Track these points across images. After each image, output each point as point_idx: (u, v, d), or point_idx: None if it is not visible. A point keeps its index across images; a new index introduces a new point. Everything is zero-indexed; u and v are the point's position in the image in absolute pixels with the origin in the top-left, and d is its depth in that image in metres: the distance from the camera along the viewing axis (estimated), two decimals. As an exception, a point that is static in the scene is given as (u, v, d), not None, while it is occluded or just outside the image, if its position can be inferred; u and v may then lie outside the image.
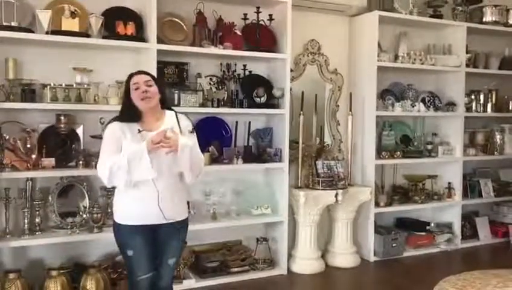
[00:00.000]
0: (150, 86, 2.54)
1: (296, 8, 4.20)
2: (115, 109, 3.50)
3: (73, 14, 3.39)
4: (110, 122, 2.59)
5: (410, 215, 5.00)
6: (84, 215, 3.54)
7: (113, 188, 3.36)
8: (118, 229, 2.58)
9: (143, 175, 2.41)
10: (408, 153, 4.81)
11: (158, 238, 2.58)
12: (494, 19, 5.13)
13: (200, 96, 3.81)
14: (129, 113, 2.55)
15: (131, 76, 2.60)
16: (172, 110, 2.68)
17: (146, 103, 2.52)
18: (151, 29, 3.56)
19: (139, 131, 2.50)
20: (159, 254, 2.61)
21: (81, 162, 3.47)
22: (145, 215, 2.51)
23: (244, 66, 4.12)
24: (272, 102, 4.15)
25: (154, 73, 3.55)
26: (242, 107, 3.98)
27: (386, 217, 4.90)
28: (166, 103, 2.68)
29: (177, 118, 2.62)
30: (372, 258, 4.57)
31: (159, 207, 2.49)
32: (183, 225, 2.67)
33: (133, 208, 2.52)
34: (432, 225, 4.97)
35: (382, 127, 4.80)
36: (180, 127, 2.57)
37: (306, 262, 4.23)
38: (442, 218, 5.10)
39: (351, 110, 4.55)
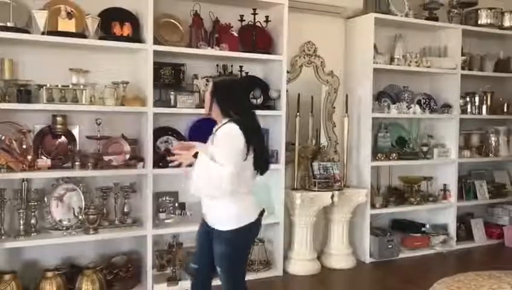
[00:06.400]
0: (208, 93, 2.69)
1: (292, 10, 4.21)
2: (111, 110, 3.53)
3: (69, 15, 3.38)
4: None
5: (406, 216, 5.01)
6: (80, 217, 3.53)
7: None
8: None
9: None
10: (404, 155, 4.82)
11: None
12: (489, 22, 5.16)
13: (196, 98, 3.82)
14: None
15: None
16: (230, 121, 2.57)
17: (204, 109, 2.79)
18: (148, 30, 3.56)
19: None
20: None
21: (77, 163, 3.46)
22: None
23: (241, 67, 4.12)
24: (268, 103, 4.15)
25: (150, 74, 3.57)
26: (238, 109, 3.98)
27: (382, 219, 4.92)
28: (225, 113, 2.61)
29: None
30: (368, 260, 4.58)
31: (203, 212, 2.68)
32: (222, 235, 2.55)
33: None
34: (427, 226, 4.98)
35: (378, 128, 4.81)
36: (215, 135, 2.55)
37: (302, 263, 4.23)
38: (438, 220, 5.12)
39: (347, 111, 4.56)
